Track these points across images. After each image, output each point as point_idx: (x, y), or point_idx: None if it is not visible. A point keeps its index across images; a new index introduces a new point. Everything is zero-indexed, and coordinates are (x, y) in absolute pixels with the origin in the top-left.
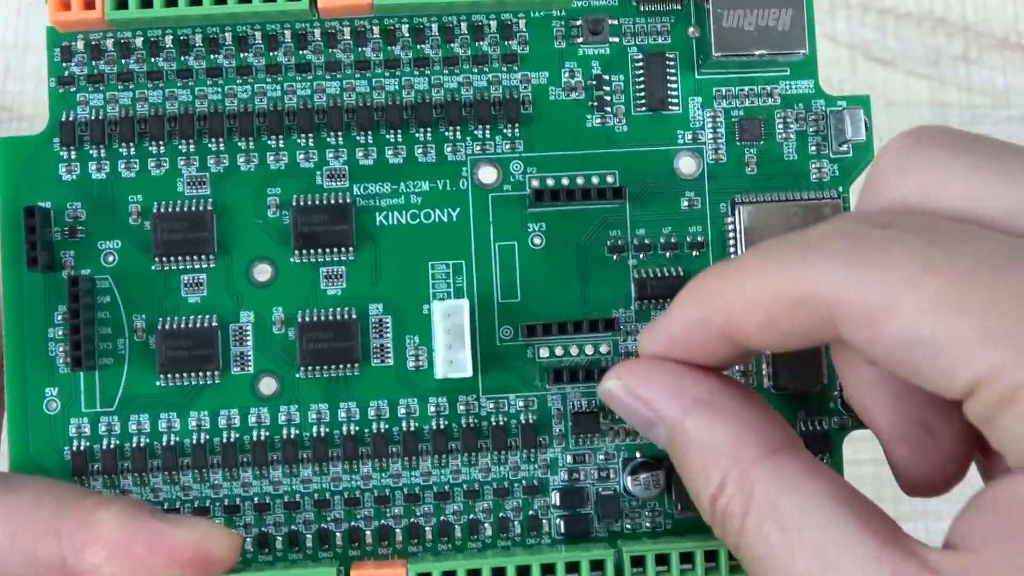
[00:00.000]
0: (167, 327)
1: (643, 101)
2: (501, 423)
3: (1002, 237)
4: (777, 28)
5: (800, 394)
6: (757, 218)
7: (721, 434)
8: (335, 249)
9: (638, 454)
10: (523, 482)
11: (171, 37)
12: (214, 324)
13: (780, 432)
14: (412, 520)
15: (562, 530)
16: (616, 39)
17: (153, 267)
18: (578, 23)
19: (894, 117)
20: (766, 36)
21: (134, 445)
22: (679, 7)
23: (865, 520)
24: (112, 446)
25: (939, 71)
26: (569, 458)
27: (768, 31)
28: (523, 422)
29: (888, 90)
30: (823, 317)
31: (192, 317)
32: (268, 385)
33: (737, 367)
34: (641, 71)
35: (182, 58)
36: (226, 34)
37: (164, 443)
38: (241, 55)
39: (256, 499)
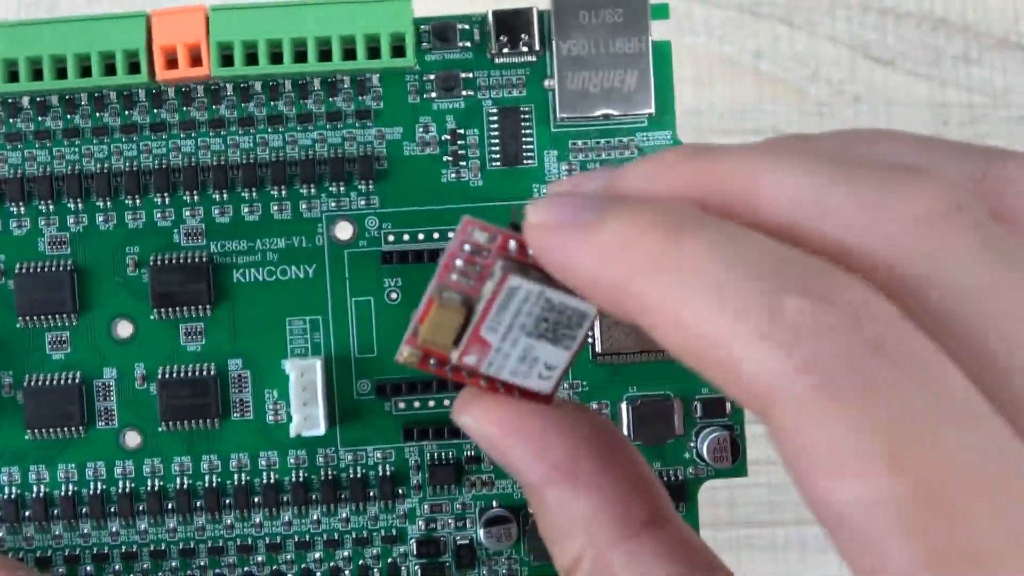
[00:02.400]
0: (32, 384)
1: (497, 156)
2: (359, 475)
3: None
4: (622, 89)
5: (656, 445)
6: None
7: (578, 510)
8: (192, 307)
9: (495, 503)
10: (382, 531)
11: (28, 99)
12: (78, 381)
13: (645, 506)
14: (274, 567)
15: None
16: (471, 92)
17: (18, 325)
18: (431, 78)
19: (894, 117)
20: (611, 97)
21: (5, 496)
22: (534, 59)
23: None
24: None
25: (939, 71)
26: (426, 508)
27: (613, 92)
28: (381, 474)
29: (888, 90)
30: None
31: (57, 374)
32: (132, 439)
33: None
34: (496, 125)
35: (39, 119)
36: (82, 95)
37: (34, 494)
38: (97, 115)
39: (124, 548)
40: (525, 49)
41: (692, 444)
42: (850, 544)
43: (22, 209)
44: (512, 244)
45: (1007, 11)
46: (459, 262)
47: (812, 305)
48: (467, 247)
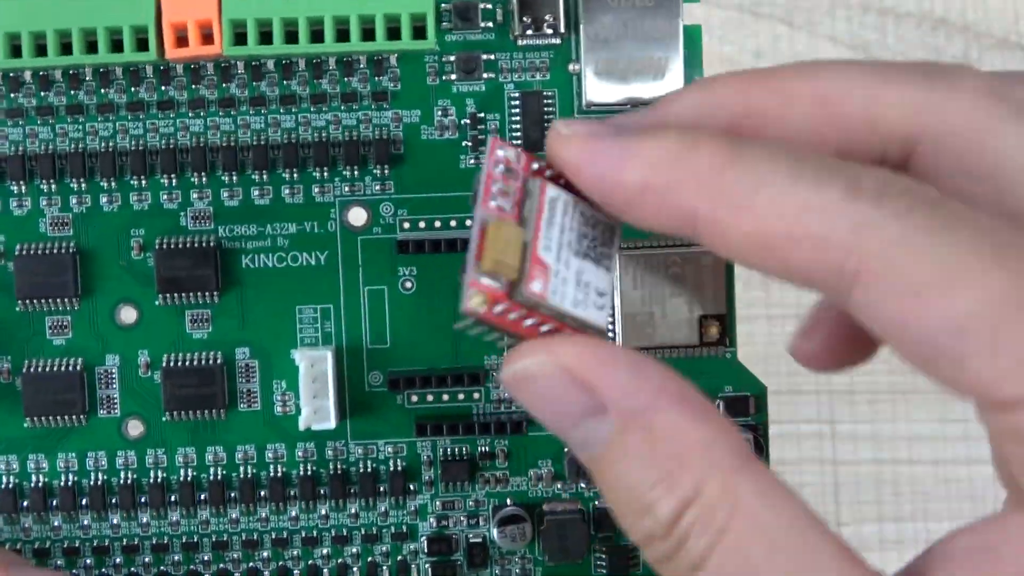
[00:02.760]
0: (32, 370)
1: (519, 142)
2: (370, 469)
3: None
4: (651, 74)
5: None
6: (635, 267)
7: (696, 433)
8: (199, 293)
9: (509, 501)
10: (392, 528)
11: (30, 73)
12: (79, 368)
13: (743, 439)
14: (280, 563)
15: None
16: (492, 75)
17: (17, 308)
18: (452, 59)
19: None
20: (639, 82)
21: (3, 486)
22: (559, 42)
23: (838, 542)
24: None
25: None
26: (438, 504)
27: (641, 77)
28: (392, 468)
29: None
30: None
31: (57, 360)
32: (135, 428)
33: None
34: (518, 110)
35: (42, 94)
36: (87, 69)
37: (33, 484)
38: (102, 91)
39: (125, 541)
40: (550, 31)
41: None
42: (972, 354)
43: (23, 188)
44: (534, 164)
45: (1007, 11)
46: (496, 186)
47: (883, 177)
48: (500, 167)
